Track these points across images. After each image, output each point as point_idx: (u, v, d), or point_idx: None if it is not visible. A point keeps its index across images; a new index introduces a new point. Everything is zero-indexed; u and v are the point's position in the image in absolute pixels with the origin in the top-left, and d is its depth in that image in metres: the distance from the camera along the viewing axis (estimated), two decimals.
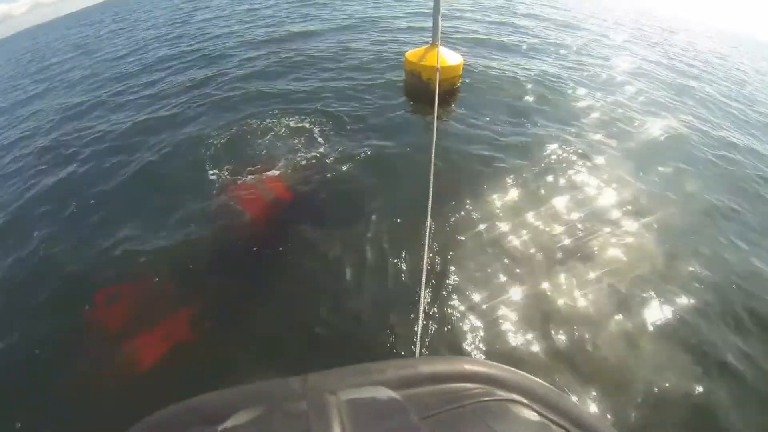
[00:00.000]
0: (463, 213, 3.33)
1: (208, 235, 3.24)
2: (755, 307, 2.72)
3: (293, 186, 3.70)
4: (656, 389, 2.21)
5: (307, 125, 4.75)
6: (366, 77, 6.12)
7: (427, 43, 5.73)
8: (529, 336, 2.46)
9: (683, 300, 2.73)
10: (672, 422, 2.09)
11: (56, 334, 2.64)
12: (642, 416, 2.09)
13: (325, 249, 3.02)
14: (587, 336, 2.46)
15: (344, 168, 3.95)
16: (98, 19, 23.95)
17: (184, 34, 10.66)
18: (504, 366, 0.57)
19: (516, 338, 2.45)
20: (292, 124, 4.80)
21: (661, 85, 6.74)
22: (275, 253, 3.02)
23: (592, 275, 2.85)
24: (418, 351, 1.72)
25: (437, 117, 3.63)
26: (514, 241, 3.09)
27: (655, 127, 5.10)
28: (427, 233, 2.33)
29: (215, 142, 4.52)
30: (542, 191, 3.67)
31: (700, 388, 2.23)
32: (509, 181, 3.79)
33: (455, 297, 2.65)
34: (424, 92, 5.33)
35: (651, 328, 2.55)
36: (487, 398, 0.51)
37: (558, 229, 3.24)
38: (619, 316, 2.61)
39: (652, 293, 2.76)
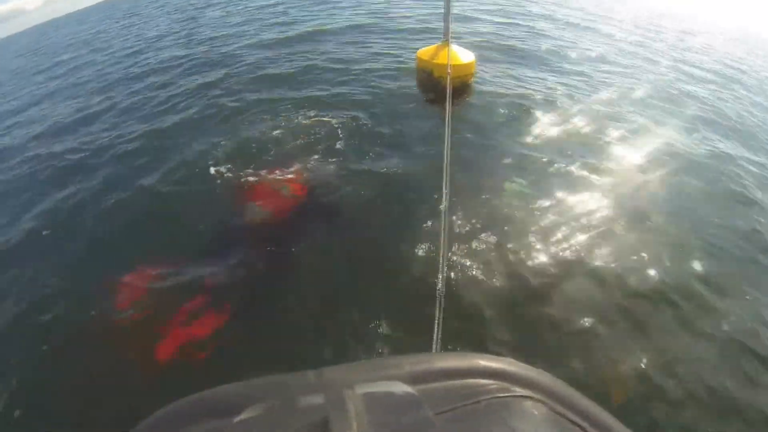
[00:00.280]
0: (479, 209, 3.32)
1: (227, 230, 3.28)
2: None
3: (308, 183, 3.72)
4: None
5: (320, 122, 4.76)
6: (378, 75, 6.09)
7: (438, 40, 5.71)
8: (549, 332, 2.45)
9: None
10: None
11: (75, 322, 2.69)
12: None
13: (341, 245, 3.04)
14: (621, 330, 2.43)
15: (357, 165, 3.95)
16: (111, 14, 24.17)
17: (195, 33, 10.70)
18: (519, 362, 0.57)
19: (534, 334, 2.44)
20: (305, 122, 4.81)
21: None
22: (292, 249, 3.05)
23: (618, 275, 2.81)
24: (435, 347, 1.73)
25: (450, 114, 3.66)
26: (532, 241, 3.06)
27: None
28: (443, 229, 2.35)
29: (231, 142, 4.53)
30: (560, 191, 3.62)
31: None
32: (525, 176, 3.75)
33: (474, 292, 2.65)
34: (435, 90, 5.31)
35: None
36: (502, 394, 0.51)
37: (578, 226, 3.19)
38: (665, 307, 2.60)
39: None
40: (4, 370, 2.46)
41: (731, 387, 2.22)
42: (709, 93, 6.23)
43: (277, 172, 3.85)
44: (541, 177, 3.78)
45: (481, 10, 9.84)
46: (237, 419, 0.46)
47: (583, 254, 2.96)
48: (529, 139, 4.42)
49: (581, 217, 3.29)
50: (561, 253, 2.96)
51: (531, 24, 8.93)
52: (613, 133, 4.56)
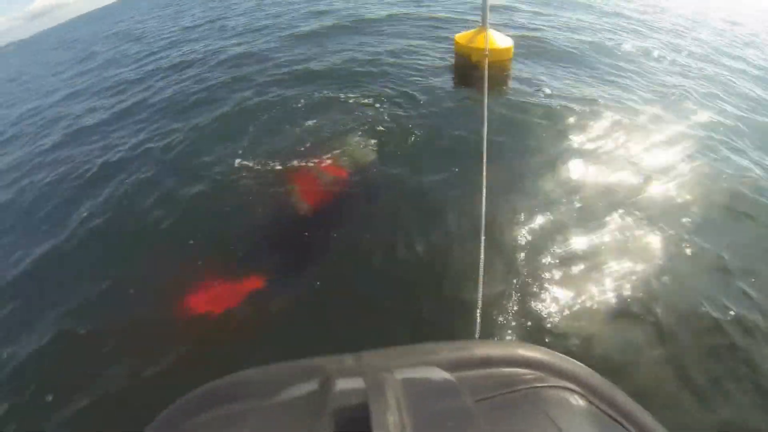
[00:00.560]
0: (519, 197, 3.27)
1: (268, 218, 3.36)
2: None
3: (346, 169, 3.77)
4: None
5: (358, 109, 4.83)
6: (415, 59, 6.13)
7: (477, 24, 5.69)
8: (588, 323, 2.41)
9: None
10: None
11: (122, 312, 2.84)
12: None
13: (379, 231, 3.07)
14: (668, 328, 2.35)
15: (395, 151, 4.00)
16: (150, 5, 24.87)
17: (229, 23, 10.81)
18: (558, 353, 0.57)
19: (572, 323, 2.40)
20: (342, 107, 4.90)
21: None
22: (330, 234, 3.10)
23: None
24: (477, 333, 1.74)
25: (488, 99, 3.64)
26: (573, 230, 2.99)
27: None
28: (483, 215, 2.31)
29: (269, 132, 4.58)
30: (604, 178, 3.50)
31: None
32: (568, 164, 3.68)
33: (515, 281, 2.62)
34: (473, 75, 5.33)
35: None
36: (541, 384, 0.50)
37: (620, 223, 3.07)
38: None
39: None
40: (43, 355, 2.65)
41: None
42: None
43: (315, 157, 3.93)
44: (588, 162, 3.69)
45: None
46: (276, 400, 0.47)
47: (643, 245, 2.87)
48: (569, 144, 4.23)
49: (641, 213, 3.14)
50: (615, 247, 2.87)
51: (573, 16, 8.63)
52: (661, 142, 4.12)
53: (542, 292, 2.57)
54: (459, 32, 5.94)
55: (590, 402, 0.50)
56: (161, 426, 0.50)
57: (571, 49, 6.38)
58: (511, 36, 5.83)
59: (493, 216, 2.97)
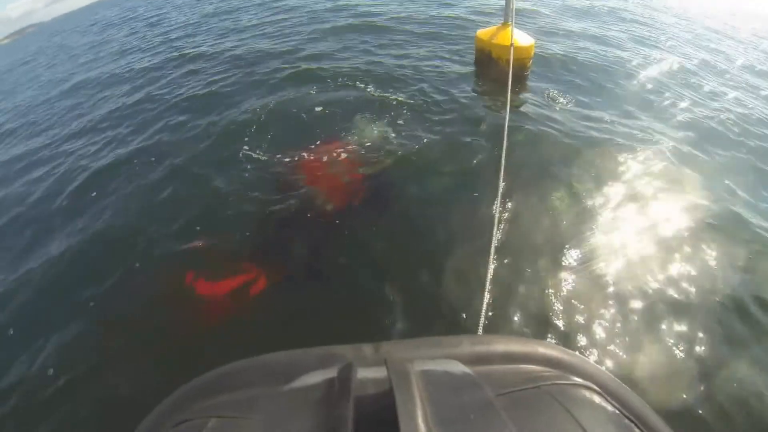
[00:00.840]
0: (534, 198, 3.21)
1: (281, 206, 3.35)
2: None
3: (363, 162, 3.73)
4: None
5: (373, 105, 4.77)
6: (435, 54, 6.07)
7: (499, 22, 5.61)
8: (597, 325, 2.39)
9: None
10: None
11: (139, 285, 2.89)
12: None
13: (393, 226, 3.06)
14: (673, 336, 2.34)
15: (413, 146, 3.94)
16: None
17: (248, 17, 10.70)
18: (576, 353, 0.57)
19: (579, 325, 2.38)
20: (359, 102, 4.84)
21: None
22: (344, 229, 3.09)
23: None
24: (480, 329, 1.74)
25: (509, 98, 3.60)
26: (587, 236, 2.94)
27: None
28: (496, 217, 2.35)
29: (285, 124, 4.57)
30: (626, 187, 3.38)
31: None
32: (588, 168, 3.59)
33: (522, 280, 2.62)
34: (494, 72, 5.26)
35: None
36: (561, 382, 0.50)
37: (639, 228, 3.00)
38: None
39: None
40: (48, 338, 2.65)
41: None
42: None
43: (332, 152, 3.88)
44: (609, 168, 3.59)
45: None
46: (293, 385, 0.46)
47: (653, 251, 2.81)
48: (596, 129, 4.24)
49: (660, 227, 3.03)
50: (628, 257, 2.81)
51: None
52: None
53: (551, 298, 2.52)
54: (480, 29, 5.86)
55: (609, 402, 0.50)
56: (174, 405, 0.49)
57: (596, 62, 6.23)
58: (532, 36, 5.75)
59: (505, 222, 2.96)
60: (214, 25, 10.20)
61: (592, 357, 2.22)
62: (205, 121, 4.91)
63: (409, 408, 0.36)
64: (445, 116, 4.47)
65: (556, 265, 2.72)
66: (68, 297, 2.95)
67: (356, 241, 2.98)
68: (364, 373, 0.45)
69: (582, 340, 2.30)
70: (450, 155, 3.81)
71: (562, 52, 6.16)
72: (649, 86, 5.40)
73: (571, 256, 2.79)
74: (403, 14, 8.33)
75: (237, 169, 3.87)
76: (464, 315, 2.39)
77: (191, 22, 11.46)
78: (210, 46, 8.33)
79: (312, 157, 3.85)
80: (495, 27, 5.57)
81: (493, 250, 2.08)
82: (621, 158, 3.73)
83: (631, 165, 3.66)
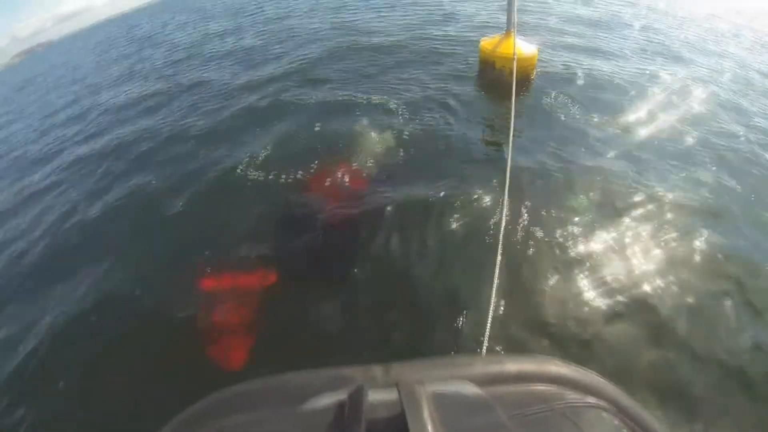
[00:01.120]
0: (537, 211, 3.18)
1: (286, 222, 3.38)
2: None
3: (368, 176, 3.74)
4: None
5: (379, 114, 4.81)
6: (439, 65, 6.13)
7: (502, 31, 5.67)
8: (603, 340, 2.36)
9: None
10: None
11: (140, 311, 2.88)
12: None
13: (398, 240, 3.05)
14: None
15: (418, 158, 3.95)
16: (173, 10, 25.52)
17: (251, 29, 10.89)
18: (590, 371, 0.56)
19: (587, 341, 2.35)
20: (362, 113, 4.87)
21: None
22: (351, 243, 3.10)
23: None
24: (485, 347, 1.73)
25: (512, 106, 3.57)
26: (592, 247, 2.92)
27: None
28: (501, 230, 2.34)
29: (289, 139, 4.57)
30: (629, 200, 3.33)
31: None
32: (590, 180, 3.55)
33: (527, 294, 2.60)
34: (498, 81, 5.31)
35: None
36: (575, 402, 0.49)
37: (643, 238, 2.99)
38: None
39: None
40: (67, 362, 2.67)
41: None
42: None
43: (338, 165, 3.88)
44: (612, 182, 3.53)
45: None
46: (303, 408, 0.46)
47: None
48: (600, 136, 4.23)
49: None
50: (631, 270, 2.79)
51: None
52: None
53: (554, 309, 2.51)
54: (485, 37, 5.92)
55: (623, 422, 0.49)
56: (184, 424, 0.49)
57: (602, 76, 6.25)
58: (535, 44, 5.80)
59: (509, 237, 2.92)
60: (215, 45, 10.29)
61: (603, 373, 2.19)
62: (208, 144, 4.93)
63: None
64: (449, 125, 4.49)
65: (564, 279, 2.70)
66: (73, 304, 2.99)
67: (359, 254, 3.00)
68: (374, 396, 0.44)
69: (590, 357, 2.28)
70: (452, 164, 3.82)
71: (565, 62, 6.19)
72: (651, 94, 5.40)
73: (582, 271, 2.76)
74: (405, 24, 8.46)
75: (241, 188, 3.90)
76: (469, 331, 2.37)
77: (193, 42, 11.60)
78: (211, 67, 8.39)
79: (316, 171, 3.87)
80: (498, 36, 5.63)
81: (498, 263, 2.07)
82: (632, 175, 3.68)
83: (643, 179, 3.62)
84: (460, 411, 0.43)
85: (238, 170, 4.10)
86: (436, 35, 7.65)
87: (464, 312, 2.48)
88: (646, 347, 2.33)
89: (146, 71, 9.68)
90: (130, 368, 2.49)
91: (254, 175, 3.98)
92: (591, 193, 3.37)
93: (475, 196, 3.35)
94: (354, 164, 3.87)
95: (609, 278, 2.70)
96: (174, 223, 3.66)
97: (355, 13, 10.16)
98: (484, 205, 3.25)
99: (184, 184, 4.14)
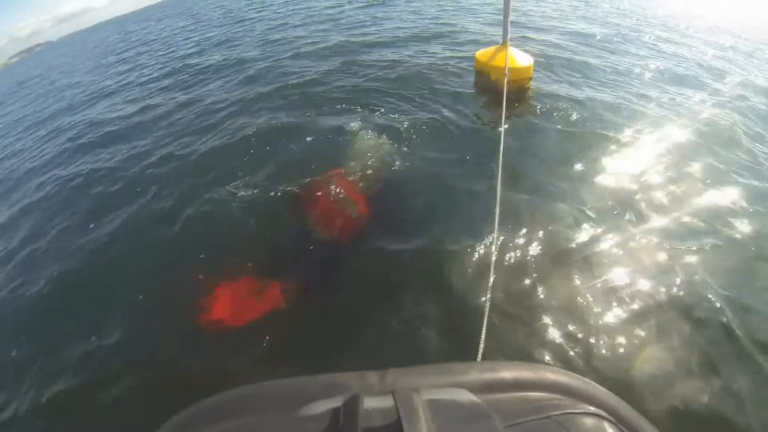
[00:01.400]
0: (531, 222, 3.18)
1: (284, 235, 3.34)
2: None
3: (363, 186, 3.70)
4: None
5: (374, 125, 4.74)
6: (434, 76, 6.06)
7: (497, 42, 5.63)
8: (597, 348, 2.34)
9: None
10: None
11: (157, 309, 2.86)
12: None
13: (393, 250, 3.04)
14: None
15: (411, 169, 3.91)
16: (176, 12, 25.51)
17: (246, 37, 10.77)
18: (586, 379, 0.55)
19: (582, 348, 2.33)
20: (358, 124, 4.79)
21: None
22: (346, 255, 3.08)
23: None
24: (480, 355, 1.70)
25: (505, 119, 3.57)
26: (588, 256, 2.91)
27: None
28: (495, 239, 2.35)
29: (284, 154, 4.47)
30: (626, 207, 3.36)
31: None
32: (585, 191, 3.55)
33: (521, 304, 2.58)
34: (492, 92, 5.25)
35: None
36: (571, 410, 0.49)
37: (642, 247, 2.98)
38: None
39: None
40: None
41: None
42: None
43: (332, 176, 3.84)
44: (607, 193, 3.53)
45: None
46: (298, 414, 0.45)
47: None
48: (592, 146, 4.20)
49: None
50: (630, 277, 2.78)
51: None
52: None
53: (551, 320, 2.49)
54: (480, 49, 5.87)
55: (620, 430, 0.48)
56: (178, 428, 0.48)
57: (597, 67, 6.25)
58: (532, 54, 5.75)
59: (502, 245, 2.96)
60: (208, 55, 10.10)
61: (600, 381, 2.15)
62: (200, 158, 4.81)
63: None
64: (443, 137, 4.43)
65: (559, 287, 2.70)
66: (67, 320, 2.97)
67: (352, 265, 2.99)
68: (370, 403, 0.44)
69: (587, 364, 2.26)
70: (446, 176, 3.79)
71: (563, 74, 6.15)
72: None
73: (576, 277, 2.77)
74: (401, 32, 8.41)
75: (232, 202, 3.80)
76: (463, 341, 2.29)
77: (186, 51, 11.39)
78: (204, 79, 8.16)
79: (309, 185, 3.80)
80: (493, 48, 5.59)
81: (492, 270, 2.06)
82: (627, 180, 3.70)
83: (640, 187, 3.63)
84: (456, 419, 0.42)
85: (229, 187, 3.99)
86: (432, 45, 7.62)
87: (460, 319, 2.46)
88: (650, 360, 2.30)
89: (140, 81, 9.49)
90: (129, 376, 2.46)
91: (245, 192, 3.88)
92: (580, 214, 3.33)
93: (467, 210, 3.34)
94: (347, 177, 3.82)
95: (605, 288, 2.70)
96: (163, 243, 3.57)
97: (349, 25, 10.10)
98: (476, 215, 3.24)
99: (173, 206, 4.02)
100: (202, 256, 3.20)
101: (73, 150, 6.13)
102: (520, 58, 5.49)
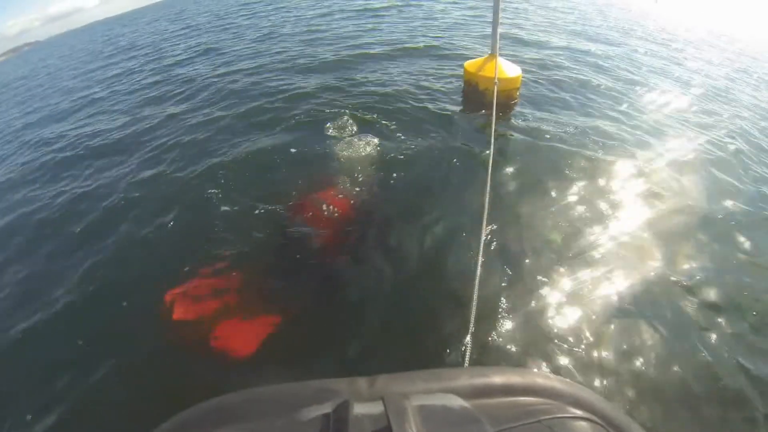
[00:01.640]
0: (520, 230, 3.24)
1: (273, 245, 3.31)
2: None
3: (351, 199, 3.67)
4: None
5: (361, 135, 4.67)
6: (423, 86, 6.05)
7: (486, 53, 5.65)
8: (587, 352, 2.36)
9: None
10: None
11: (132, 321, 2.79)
12: None
13: (381, 259, 3.04)
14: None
15: (400, 179, 3.89)
16: (166, 14, 25.31)
17: (226, 53, 10.24)
18: (575, 383, 0.55)
19: (571, 353, 2.36)
20: (346, 134, 4.74)
21: None
22: (335, 265, 3.08)
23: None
24: (467, 360, 1.70)
25: (495, 130, 3.63)
26: (573, 265, 2.95)
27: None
28: (481, 248, 2.32)
29: (275, 158, 4.46)
30: (612, 217, 3.43)
31: None
32: (572, 197, 3.61)
33: (509, 310, 2.61)
34: (481, 103, 5.25)
35: None
36: (561, 415, 0.48)
37: (625, 252, 3.06)
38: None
39: None
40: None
41: None
42: None
43: (320, 187, 3.80)
44: (594, 201, 3.59)
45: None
46: (288, 420, 0.45)
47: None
48: (582, 156, 4.22)
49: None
50: (616, 279, 2.85)
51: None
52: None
53: (538, 323, 2.54)
54: (469, 59, 5.89)
55: None
56: None
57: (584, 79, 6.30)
58: (520, 65, 5.78)
59: (490, 252, 2.99)
60: (199, 59, 9.94)
61: (588, 385, 2.19)
62: (188, 168, 4.68)
63: None
64: (431, 147, 4.42)
65: (546, 291, 2.74)
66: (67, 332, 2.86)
67: (342, 272, 3.00)
68: (360, 409, 0.43)
69: (576, 369, 2.28)
70: (435, 185, 3.81)
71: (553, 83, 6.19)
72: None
73: (563, 282, 2.81)
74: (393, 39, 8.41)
75: (217, 218, 3.69)
76: (450, 347, 2.37)
77: (175, 56, 11.16)
78: (193, 85, 7.96)
79: (297, 195, 3.76)
80: (482, 58, 5.61)
81: (478, 278, 2.07)
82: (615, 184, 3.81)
83: (627, 193, 3.73)
84: (446, 424, 0.42)
85: (214, 199, 3.90)
86: (421, 55, 7.62)
87: (446, 326, 2.48)
88: (636, 362, 2.34)
89: (127, 89, 9.10)
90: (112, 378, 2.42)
91: (230, 206, 3.79)
92: (563, 231, 3.37)
93: (457, 217, 3.36)
94: (336, 192, 3.77)
95: (593, 293, 2.75)
96: (145, 256, 3.46)
97: (339, 32, 10.06)
98: (465, 224, 3.27)
99: (153, 217, 3.89)
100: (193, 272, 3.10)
101: (53, 164, 5.84)
102: (508, 69, 5.52)
